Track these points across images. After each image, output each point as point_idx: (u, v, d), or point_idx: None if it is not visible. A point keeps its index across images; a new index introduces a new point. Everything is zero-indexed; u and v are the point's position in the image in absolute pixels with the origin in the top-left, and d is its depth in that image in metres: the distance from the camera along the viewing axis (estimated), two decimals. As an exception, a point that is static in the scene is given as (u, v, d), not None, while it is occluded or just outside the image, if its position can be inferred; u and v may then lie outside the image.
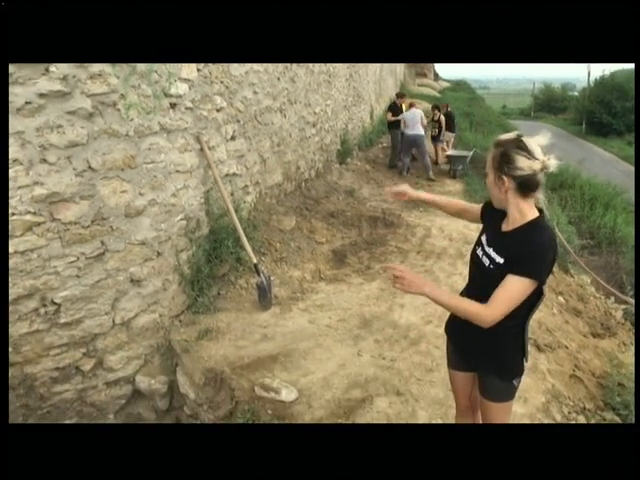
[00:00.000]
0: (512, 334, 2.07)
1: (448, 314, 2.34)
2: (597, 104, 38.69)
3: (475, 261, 2.15)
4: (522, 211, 1.98)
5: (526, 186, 1.93)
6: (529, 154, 1.89)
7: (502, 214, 2.08)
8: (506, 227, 2.05)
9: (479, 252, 2.13)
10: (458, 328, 2.24)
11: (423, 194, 2.56)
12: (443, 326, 2.46)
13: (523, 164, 1.89)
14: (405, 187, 2.53)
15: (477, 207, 2.37)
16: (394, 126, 11.38)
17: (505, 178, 1.93)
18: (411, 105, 11.49)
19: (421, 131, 10.79)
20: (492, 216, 2.17)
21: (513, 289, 1.91)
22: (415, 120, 10.78)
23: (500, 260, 1.98)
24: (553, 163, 1.89)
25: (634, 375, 3.53)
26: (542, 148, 1.93)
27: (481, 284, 2.06)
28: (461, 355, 2.34)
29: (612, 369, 4.09)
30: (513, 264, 1.92)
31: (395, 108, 11.51)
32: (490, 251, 2.05)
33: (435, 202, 2.55)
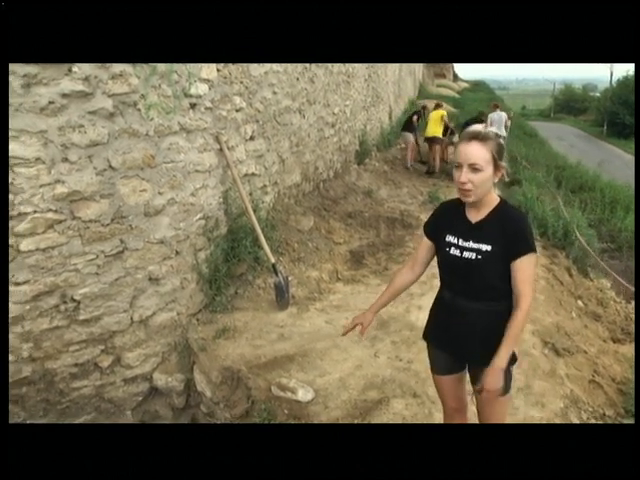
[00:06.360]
0: (505, 318, 2.04)
1: None
2: (620, 105, 38.10)
3: (453, 261, 2.12)
4: (492, 195, 2.07)
5: None
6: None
7: (455, 210, 2.15)
8: (477, 216, 2.09)
9: (454, 252, 2.11)
10: (450, 332, 2.22)
11: (376, 306, 2.39)
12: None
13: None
14: (359, 319, 2.36)
15: (422, 245, 2.32)
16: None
17: (505, 164, 2.02)
18: (495, 106, 11.93)
19: (504, 133, 11.32)
20: (444, 218, 2.22)
21: (528, 270, 1.99)
22: (501, 122, 11.34)
23: (487, 247, 2.02)
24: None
25: (634, 376, 3.48)
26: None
27: (467, 278, 2.09)
28: (453, 358, 2.29)
29: (633, 375, 4.03)
30: (507, 246, 1.99)
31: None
32: (470, 244, 2.06)
33: (390, 297, 2.41)
